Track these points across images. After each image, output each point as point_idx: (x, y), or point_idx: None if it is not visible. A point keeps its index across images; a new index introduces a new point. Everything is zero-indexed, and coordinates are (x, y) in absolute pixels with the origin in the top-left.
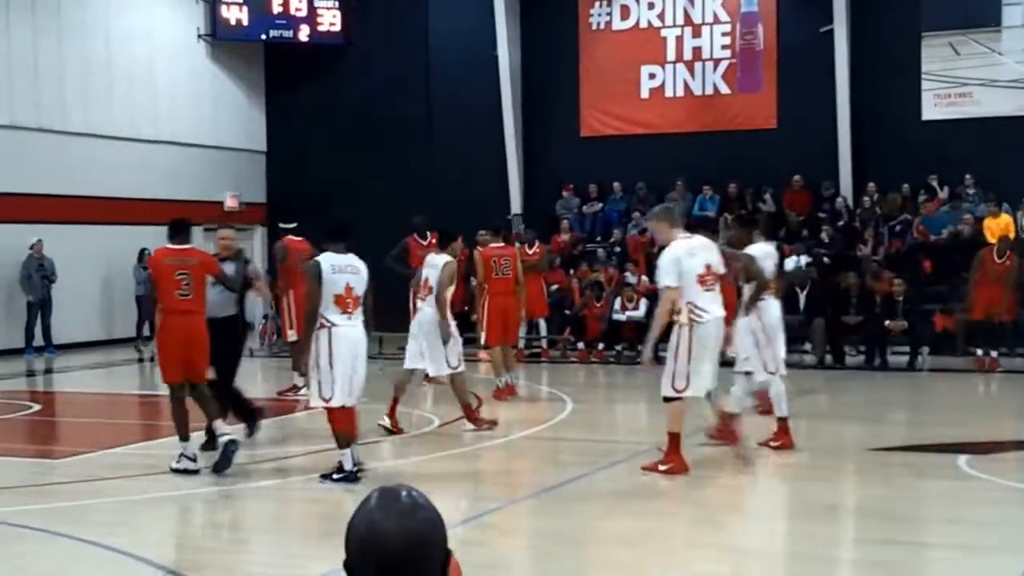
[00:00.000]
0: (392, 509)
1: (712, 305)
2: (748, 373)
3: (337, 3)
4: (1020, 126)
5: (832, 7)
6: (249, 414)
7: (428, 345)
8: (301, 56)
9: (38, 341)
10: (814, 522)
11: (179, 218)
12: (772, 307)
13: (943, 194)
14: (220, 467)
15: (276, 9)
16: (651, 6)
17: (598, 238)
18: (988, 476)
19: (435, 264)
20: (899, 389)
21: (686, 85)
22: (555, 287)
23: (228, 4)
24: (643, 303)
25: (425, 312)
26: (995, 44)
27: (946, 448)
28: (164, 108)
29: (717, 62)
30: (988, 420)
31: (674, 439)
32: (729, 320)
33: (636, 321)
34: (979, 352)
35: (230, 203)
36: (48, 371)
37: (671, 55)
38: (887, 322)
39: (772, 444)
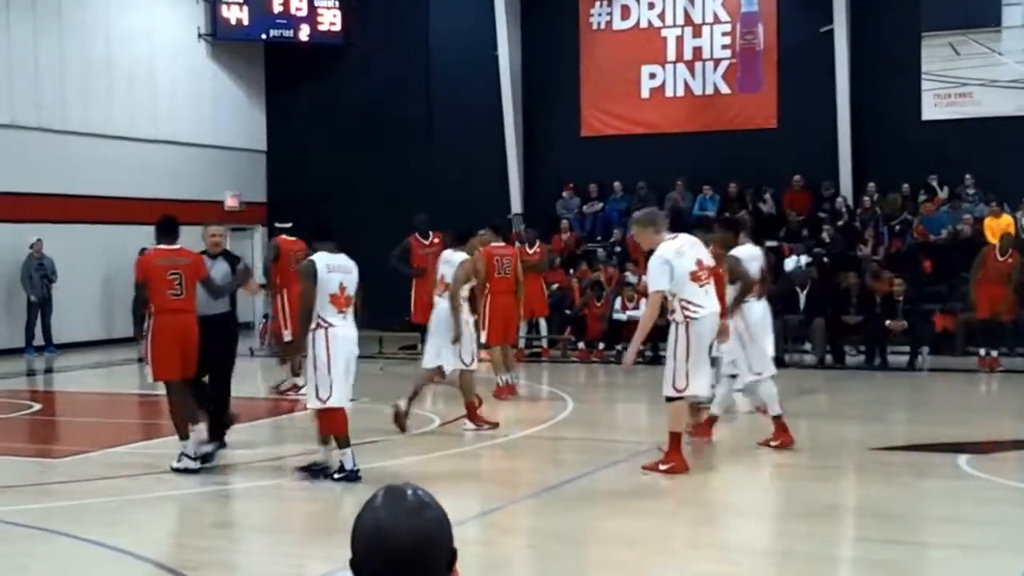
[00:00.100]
0: (399, 508)
1: (707, 300)
2: (733, 376)
3: (337, 3)
4: (1020, 126)
5: (832, 7)
6: (219, 426)
7: (443, 341)
8: (301, 56)
9: (38, 340)
10: (814, 522)
11: (167, 217)
12: (756, 308)
13: (943, 194)
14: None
15: (276, 9)
16: (651, 6)
17: (598, 238)
18: (988, 476)
19: (452, 261)
20: (899, 389)
21: (686, 85)
22: (555, 286)
23: (228, 4)
24: (643, 303)
25: (441, 308)
26: (995, 44)
27: (946, 448)
28: (164, 108)
29: (717, 62)
30: (988, 420)
31: (675, 439)
32: (723, 314)
33: (636, 321)
34: (982, 352)
35: (230, 203)
36: (48, 370)
37: (671, 55)
38: (887, 322)
39: (772, 443)
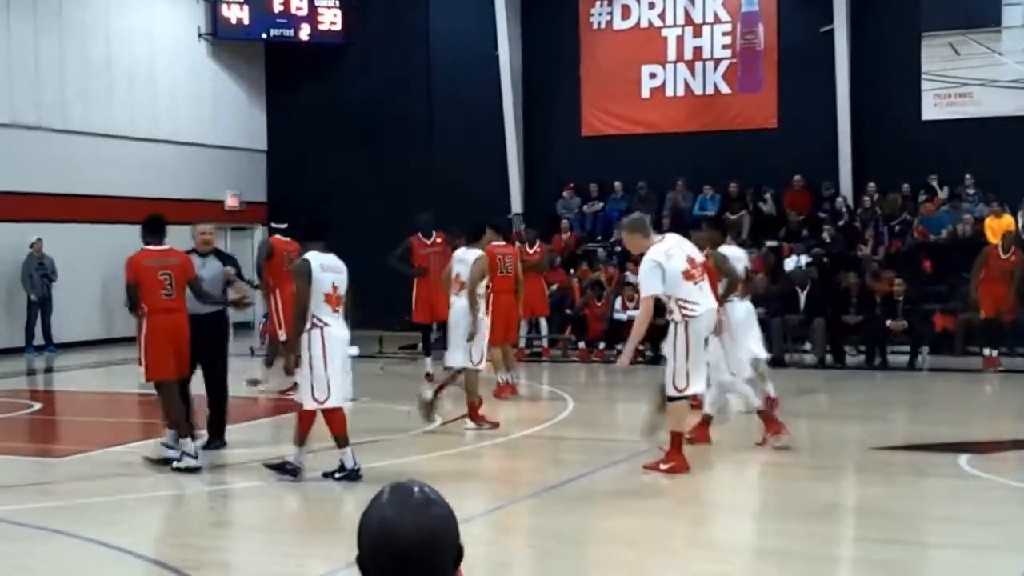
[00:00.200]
0: (405, 505)
1: (702, 297)
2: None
3: (338, 2)
4: (1020, 126)
5: (832, 7)
6: (218, 425)
7: (456, 338)
8: (302, 55)
9: (38, 340)
10: (815, 521)
11: (155, 216)
12: (739, 308)
13: (943, 194)
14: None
15: (277, 8)
16: (652, 6)
17: (599, 237)
18: (989, 475)
19: (466, 259)
20: (899, 389)
21: (687, 85)
22: (554, 287)
23: (229, 3)
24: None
25: (457, 306)
26: (995, 44)
27: (947, 447)
28: (165, 107)
29: (718, 62)
30: (988, 419)
31: (676, 438)
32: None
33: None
34: (986, 352)
35: (231, 202)
36: (48, 370)
37: (672, 55)
38: (888, 322)
39: (771, 438)
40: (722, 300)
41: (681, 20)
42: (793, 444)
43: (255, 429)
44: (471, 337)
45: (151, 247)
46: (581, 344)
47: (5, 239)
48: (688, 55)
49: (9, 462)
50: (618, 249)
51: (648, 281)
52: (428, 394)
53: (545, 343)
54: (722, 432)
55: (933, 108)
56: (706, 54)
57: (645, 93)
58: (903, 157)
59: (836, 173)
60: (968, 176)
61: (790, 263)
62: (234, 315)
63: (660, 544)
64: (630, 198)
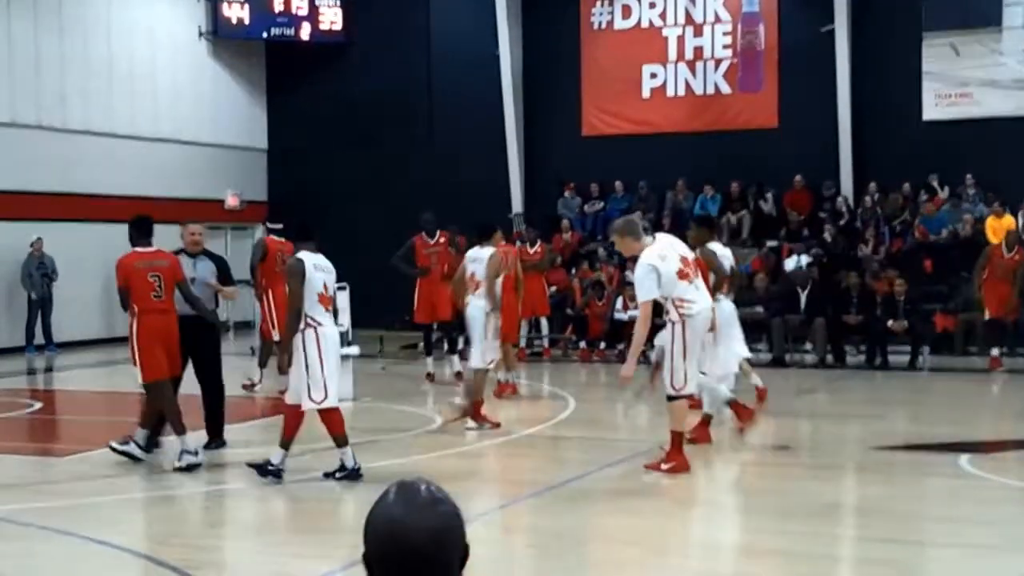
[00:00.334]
0: (413, 504)
1: (698, 295)
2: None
3: (338, 2)
4: (1021, 126)
5: (833, 7)
6: (216, 424)
7: (475, 338)
8: (302, 54)
9: (39, 339)
10: (815, 521)
11: (143, 217)
12: (724, 307)
13: (943, 194)
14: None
15: (277, 7)
16: (652, 5)
17: (599, 237)
18: (989, 475)
19: (479, 258)
20: (900, 388)
21: (687, 84)
22: (553, 289)
23: (229, 2)
24: None
25: (474, 306)
26: (996, 44)
27: (947, 447)
28: (165, 106)
29: (718, 62)
30: (989, 419)
31: (676, 438)
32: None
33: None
34: (994, 352)
35: (231, 201)
36: (49, 369)
37: (672, 54)
38: (888, 322)
39: (745, 424)
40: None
41: (682, 20)
42: (794, 444)
43: (256, 429)
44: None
45: (140, 248)
46: (582, 344)
47: (5, 238)
48: (689, 55)
49: (9, 461)
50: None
51: (644, 286)
52: (464, 403)
53: (546, 343)
54: (723, 432)
55: (934, 108)
56: (707, 54)
57: (646, 93)
58: (904, 157)
59: (837, 173)
60: (969, 176)
61: (790, 263)
62: (234, 314)
63: (661, 543)
64: (631, 198)
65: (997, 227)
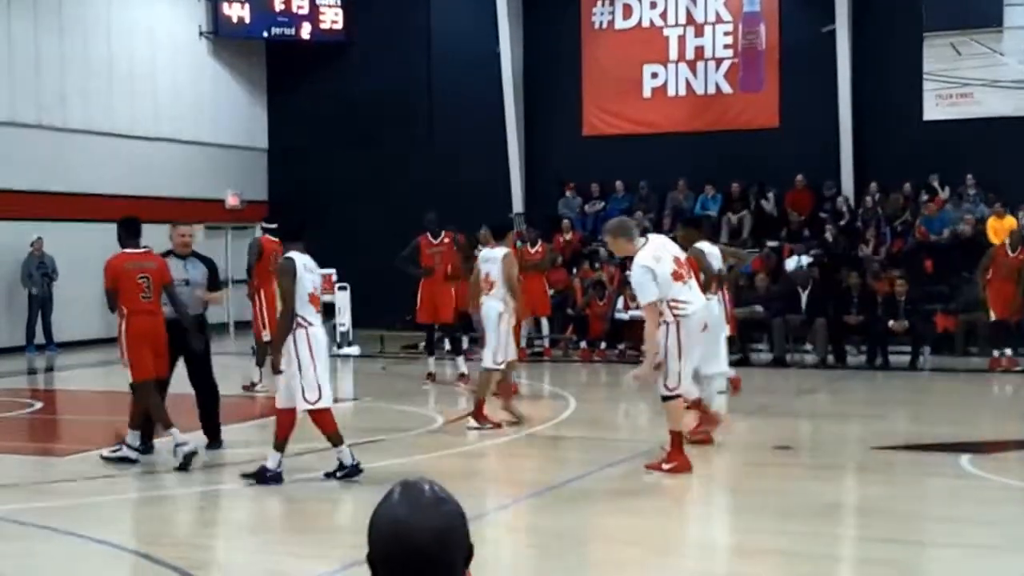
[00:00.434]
0: (417, 504)
1: (692, 296)
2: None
3: (339, 1)
4: (1021, 127)
5: (834, 7)
6: (212, 427)
7: (485, 336)
8: (303, 54)
9: (39, 339)
10: (816, 521)
11: (131, 218)
12: (712, 306)
13: (944, 194)
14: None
15: (278, 7)
16: (653, 5)
17: (600, 237)
18: (990, 475)
19: (494, 258)
20: (900, 389)
21: (688, 84)
22: (552, 291)
23: (230, 1)
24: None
25: (488, 306)
26: (996, 45)
27: (948, 447)
28: (165, 105)
29: (719, 61)
30: (990, 420)
31: (676, 437)
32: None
33: (638, 320)
34: (1008, 352)
35: (231, 201)
36: (49, 369)
37: (673, 54)
38: (889, 322)
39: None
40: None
41: (683, 20)
42: (794, 444)
43: (255, 429)
44: (517, 325)
45: (129, 249)
46: (583, 344)
47: (5, 238)
48: (690, 55)
49: (9, 461)
50: None
51: (645, 289)
52: (508, 409)
53: (547, 343)
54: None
55: (934, 108)
56: (708, 54)
57: (647, 93)
58: (904, 157)
59: (837, 173)
60: (969, 176)
61: (791, 263)
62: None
63: (662, 543)
64: (631, 198)
65: (998, 228)
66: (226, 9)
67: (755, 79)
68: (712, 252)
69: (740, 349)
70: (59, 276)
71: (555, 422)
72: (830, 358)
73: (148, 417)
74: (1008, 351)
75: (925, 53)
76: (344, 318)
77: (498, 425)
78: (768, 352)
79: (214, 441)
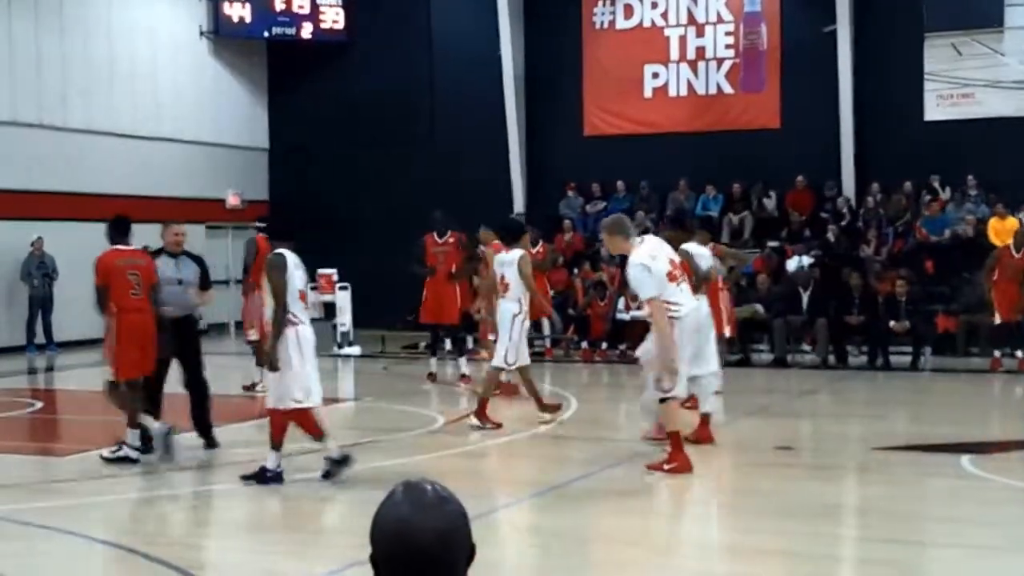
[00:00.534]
0: (420, 504)
1: (684, 297)
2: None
3: (340, 1)
4: (1022, 127)
5: (835, 7)
6: (205, 427)
7: (499, 336)
8: (304, 53)
9: (39, 339)
10: (817, 521)
11: (121, 216)
12: (702, 307)
13: (945, 195)
14: (167, 458)
15: (279, 6)
16: (654, 5)
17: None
18: (991, 476)
19: (510, 261)
20: (901, 389)
21: (689, 84)
22: (552, 292)
23: (231, 1)
24: (646, 304)
25: (503, 308)
26: (998, 45)
27: (949, 448)
28: (166, 105)
29: (720, 61)
30: (991, 420)
31: (675, 438)
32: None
33: (640, 320)
34: (1019, 354)
35: (232, 201)
36: (49, 368)
37: (674, 54)
38: (890, 323)
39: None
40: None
41: (684, 20)
42: (795, 444)
43: (254, 429)
44: (550, 315)
45: (120, 247)
46: (584, 344)
47: (6, 238)
48: (691, 55)
49: (10, 461)
50: None
51: (644, 284)
52: (542, 414)
53: (548, 343)
54: (724, 431)
55: (935, 109)
56: (709, 54)
57: (648, 93)
58: (905, 157)
59: (838, 173)
60: (970, 177)
61: (792, 263)
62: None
63: (663, 544)
64: (632, 198)
65: (1000, 229)
66: (227, 9)
67: (756, 79)
68: (699, 253)
69: (741, 349)
70: (59, 276)
71: (556, 422)
72: (831, 358)
73: (197, 409)
74: (1020, 353)
75: (926, 53)
76: (345, 318)
77: (499, 425)
78: (769, 352)
79: (208, 440)
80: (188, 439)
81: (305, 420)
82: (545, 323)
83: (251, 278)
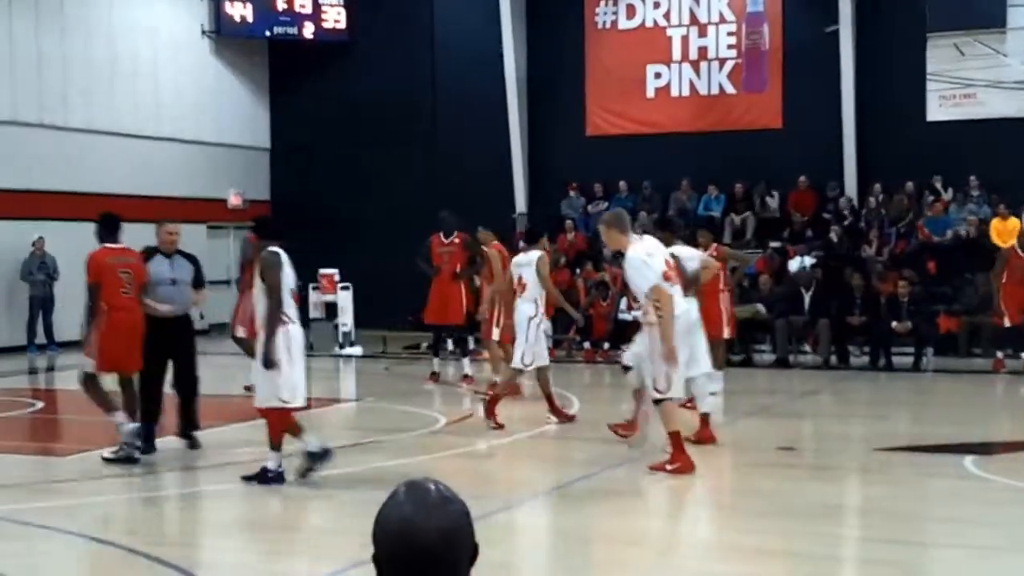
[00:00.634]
0: (423, 504)
1: (677, 299)
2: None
3: (342, 0)
4: None
5: (837, 7)
6: (189, 426)
7: (516, 337)
8: (305, 53)
9: (40, 339)
10: (819, 521)
11: (111, 215)
12: (692, 309)
13: (947, 195)
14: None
15: (280, 6)
16: (657, 5)
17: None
18: (993, 476)
19: (527, 262)
20: (903, 390)
21: (691, 85)
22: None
23: (232, 1)
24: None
25: (520, 309)
26: (1000, 45)
27: (951, 448)
28: (167, 105)
29: (723, 62)
30: (993, 421)
31: (675, 438)
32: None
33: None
34: (1001, 354)
35: (233, 201)
36: (50, 368)
37: (677, 55)
38: (892, 323)
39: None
40: None
41: (686, 20)
42: (797, 444)
43: (254, 429)
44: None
45: (110, 245)
46: (586, 344)
47: (6, 237)
48: (693, 55)
49: (10, 461)
50: None
51: (643, 274)
52: (552, 417)
53: (550, 343)
54: (725, 432)
55: (938, 109)
56: (711, 54)
57: (650, 93)
58: (907, 158)
59: (841, 174)
60: (972, 177)
61: (794, 264)
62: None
63: (665, 544)
64: (635, 198)
65: (1002, 229)
66: (228, 8)
67: (758, 79)
68: (687, 255)
69: (743, 350)
70: (60, 276)
71: (558, 422)
72: (833, 359)
73: (148, 416)
74: (1004, 353)
75: (928, 54)
76: (346, 318)
77: (501, 426)
78: (771, 353)
79: (191, 441)
80: (171, 442)
81: (286, 420)
82: (548, 323)
83: (246, 276)
